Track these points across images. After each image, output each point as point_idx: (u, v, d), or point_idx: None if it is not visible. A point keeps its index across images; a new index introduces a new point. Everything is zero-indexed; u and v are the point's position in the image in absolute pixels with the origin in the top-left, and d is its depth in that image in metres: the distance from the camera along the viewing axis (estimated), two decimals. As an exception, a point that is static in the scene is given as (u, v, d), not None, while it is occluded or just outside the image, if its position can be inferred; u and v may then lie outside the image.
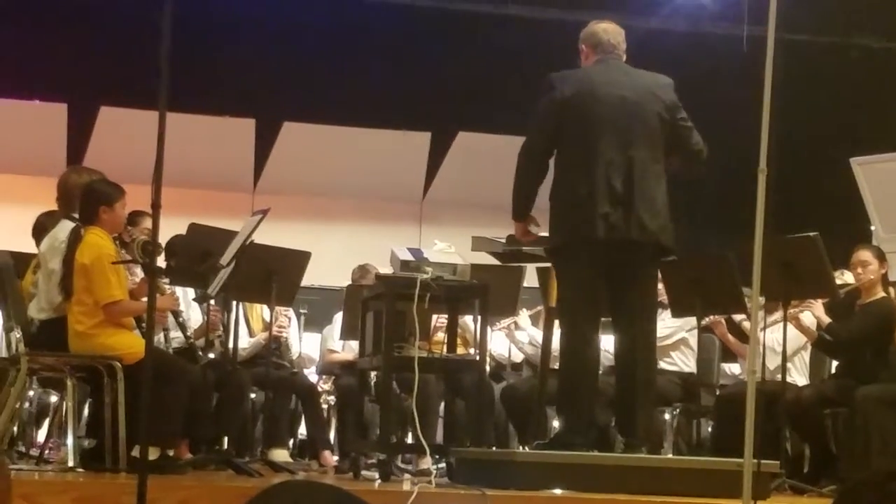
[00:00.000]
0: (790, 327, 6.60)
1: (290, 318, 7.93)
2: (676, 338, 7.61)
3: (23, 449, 7.09)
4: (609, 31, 5.78)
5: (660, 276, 7.30)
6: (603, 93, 5.58)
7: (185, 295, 7.17)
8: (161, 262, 6.27)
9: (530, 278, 7.83)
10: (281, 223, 8.61)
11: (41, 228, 6.60)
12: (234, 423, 6.89)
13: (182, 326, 6.69)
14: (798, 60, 8.46)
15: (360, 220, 11.73)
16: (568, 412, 5.63)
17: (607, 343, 6.12)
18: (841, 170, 8.14)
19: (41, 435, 7.75)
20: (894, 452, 6.27)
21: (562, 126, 5.60)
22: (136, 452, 5.35)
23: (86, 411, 6.60)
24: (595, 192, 5.44)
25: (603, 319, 5.72)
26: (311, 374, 8.58)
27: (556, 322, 5.86)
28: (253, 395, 7.59)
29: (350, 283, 8.12)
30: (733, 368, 8.16)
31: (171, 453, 5.88)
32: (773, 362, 6.94)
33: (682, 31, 10.73)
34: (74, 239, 5.87)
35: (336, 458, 7.61)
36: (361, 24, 10.73)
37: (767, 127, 3.84)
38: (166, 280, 6.43)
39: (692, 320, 7.03)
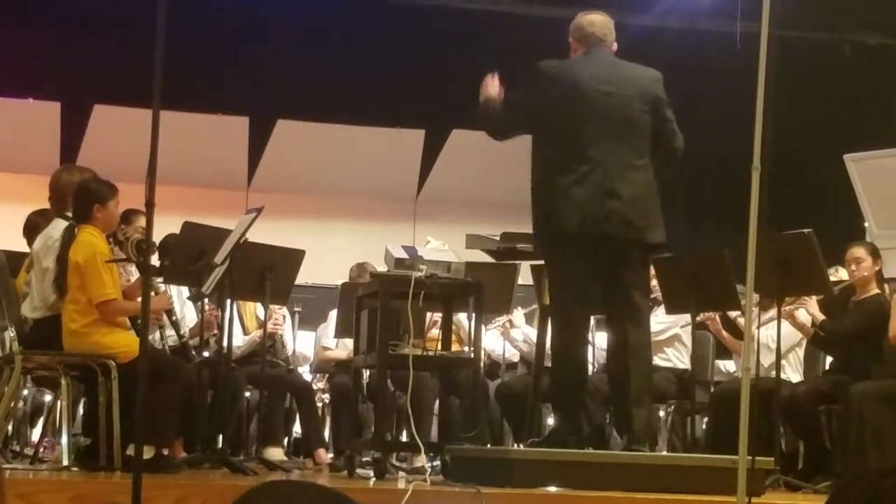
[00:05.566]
0: (785, 324, 6.60)
1: (284, 316, 7.93)
2: (670, 334, 7.61)
3: (17, 448, 7.08)
4: (595, 23, 5.69)
5: (653, 271, 7.34)
6: (587, 87, 5.52)
7: (180, 294, 7.16)
8: (155, 260, 6.27)
9: (525, 276, 7.81)
10: (275, 221, 8.60)
11: (32, 227, 6.60)
12: (229, 421, 6.87)
13: (175, 325, 6.68)
14: (792, 57, 8.44)
15: (355, 218, 11.72)
16: (561, 410, 5.63)
17: (602, 340, 6.11)
18: (835, 166, 8.14)
19: (35, 434, 7.73)
20: (889, 448, 6.28)
21: (544, 119, 5.55)
22: (130, 451, 5.35)
23: (80, 410, 6.58)
24: (575, 186, 5.39)
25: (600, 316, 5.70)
26: (306, 373, 8.57)
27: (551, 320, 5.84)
28: (247, 394, 7.59)
29: (345, 280, 8.11)
30: (728, 365, 8.17)
31: (165, 452, 5.87)
32: (767, 359, 6.95)
33: (677, 29, 10.73)
34: (68, 237, 5.86)
35: (331, 456, 7.60)
36: (355, 22, 10.72)
37: (761, 124, 3.83)
38: (160, 279, 6.42)
39: (686, 316, 7.03)
